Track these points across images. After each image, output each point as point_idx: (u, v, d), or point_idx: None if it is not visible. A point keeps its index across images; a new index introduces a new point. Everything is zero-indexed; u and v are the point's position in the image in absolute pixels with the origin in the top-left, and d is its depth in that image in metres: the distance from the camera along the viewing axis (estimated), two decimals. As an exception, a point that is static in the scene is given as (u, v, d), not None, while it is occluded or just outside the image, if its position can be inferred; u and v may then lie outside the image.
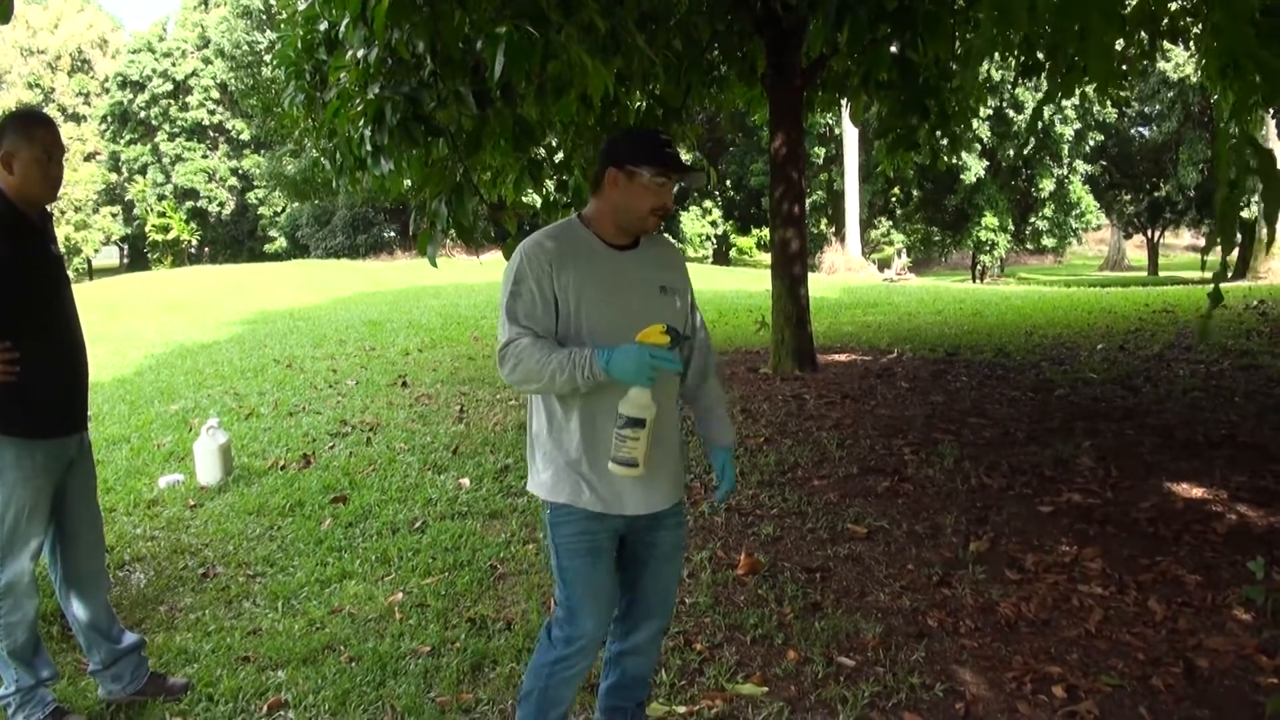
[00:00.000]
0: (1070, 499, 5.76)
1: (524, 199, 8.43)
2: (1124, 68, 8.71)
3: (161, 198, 54.43)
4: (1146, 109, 43.63)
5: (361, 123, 6.30)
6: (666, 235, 3.15)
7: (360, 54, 6.13)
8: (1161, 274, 45.70)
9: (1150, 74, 36.44)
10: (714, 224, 49.19)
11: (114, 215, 56.69)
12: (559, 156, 8.51)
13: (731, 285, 24.74)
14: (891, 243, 45.65)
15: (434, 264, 6.79)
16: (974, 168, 39.24)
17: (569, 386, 2.73)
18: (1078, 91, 8.79)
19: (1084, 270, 56.17)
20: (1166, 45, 9.53)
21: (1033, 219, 43.47)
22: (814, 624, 4.30)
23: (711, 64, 9.80)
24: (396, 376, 10.74)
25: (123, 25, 66.48)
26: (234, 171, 54.80)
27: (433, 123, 6.22)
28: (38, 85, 58.18)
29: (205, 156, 54.94)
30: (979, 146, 38.89)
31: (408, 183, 7.38)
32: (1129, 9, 7.45)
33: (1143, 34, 8.26)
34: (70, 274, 4.70)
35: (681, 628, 4.32)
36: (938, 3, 7.55)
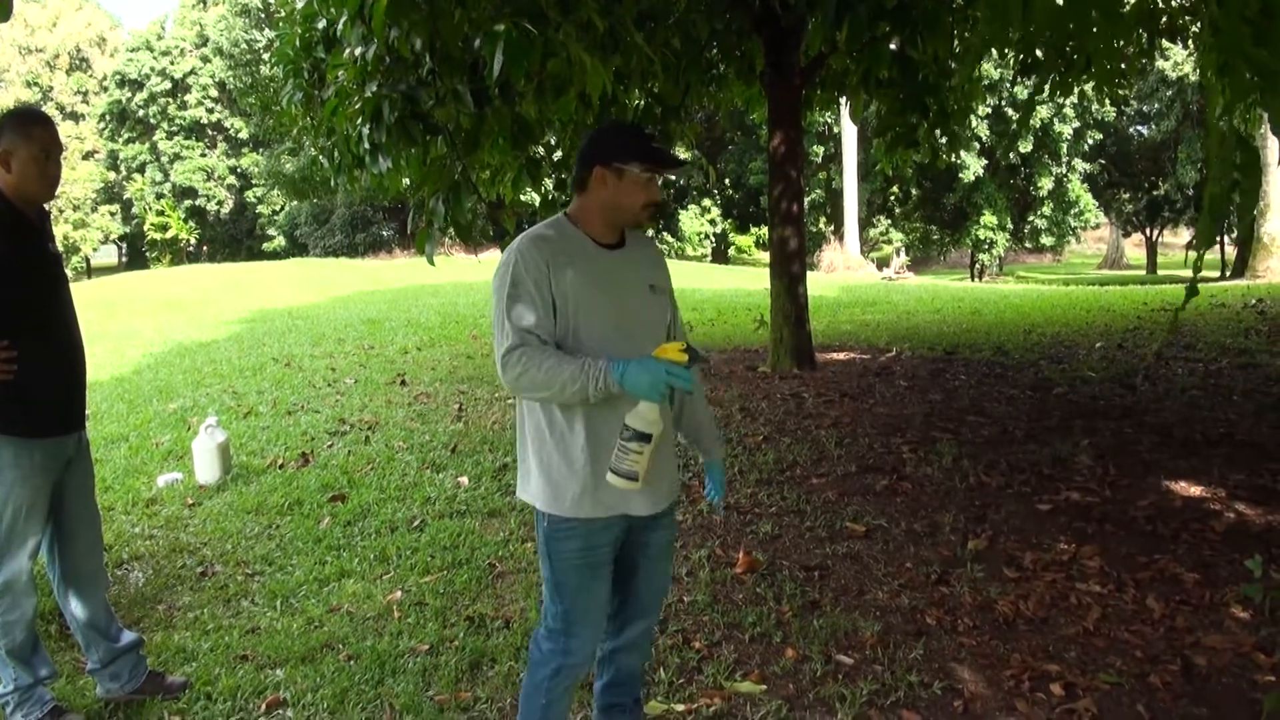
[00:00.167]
0: (1068, 497, 5.76)
1: (522, 197, 8.44)
2: (1123, 66, 8.71)
3: (160, 196, 54.43)
4: (1145, 107, 43.66)
5: (360, 121, 6.31)
6: (648, 233, 3.12)
7: (358, 52, 6.12)
8: (1160, 272, 45.72)
9: (1149, 72, 36.46)
10: (713, 222, 49.25)
11: (112, 214, 56.67)
12: (557, 155, 8.53)
13: (730, 284, 24.74)
14: (890, 241, 45.67)
15: (432, 262, 6.79)
16: (972, 166, 39.24)
17: (578, 397, 2.67)
18: (1076, 90, 8.80)
19: (1083, 269, 56.18)
20: (1165, 44, 9.53)
21: (1031, 217, 43.47)
22: (812, 622, 4.30)
23: (710, 62, 9.80)
24: (395, 375, 10.73)
25: (121, 23, 66.64)
26: (232, 170, 54.79)
27: (431, 121, 6.22)
28: (36, 84, 58.16)
29: (204, 155, 54.92)
30: (978, 145, 38.89)
31: (406, 181, 7.39)
32: (1128, 7, 7.46)
33: (1141, 32, 8.26)
34: (69, 273, 4.71)
35: (680, 626, 4.33)
36: (937, 1, 7.55)
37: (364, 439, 7.84)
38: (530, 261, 2.73)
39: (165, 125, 54.70)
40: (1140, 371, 9.28)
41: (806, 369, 9.73)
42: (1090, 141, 41.27)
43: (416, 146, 6.32)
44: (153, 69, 54.35)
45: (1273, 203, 22.82)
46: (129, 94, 54.95)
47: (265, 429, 8.31)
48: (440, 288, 22.63)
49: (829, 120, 39.16)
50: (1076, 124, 39.81)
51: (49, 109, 54.06)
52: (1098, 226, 53.78)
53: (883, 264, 41.39)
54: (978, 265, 44.94)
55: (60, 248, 3.82)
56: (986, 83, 33.76)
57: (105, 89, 57.38)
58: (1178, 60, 37.19)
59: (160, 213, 54.00)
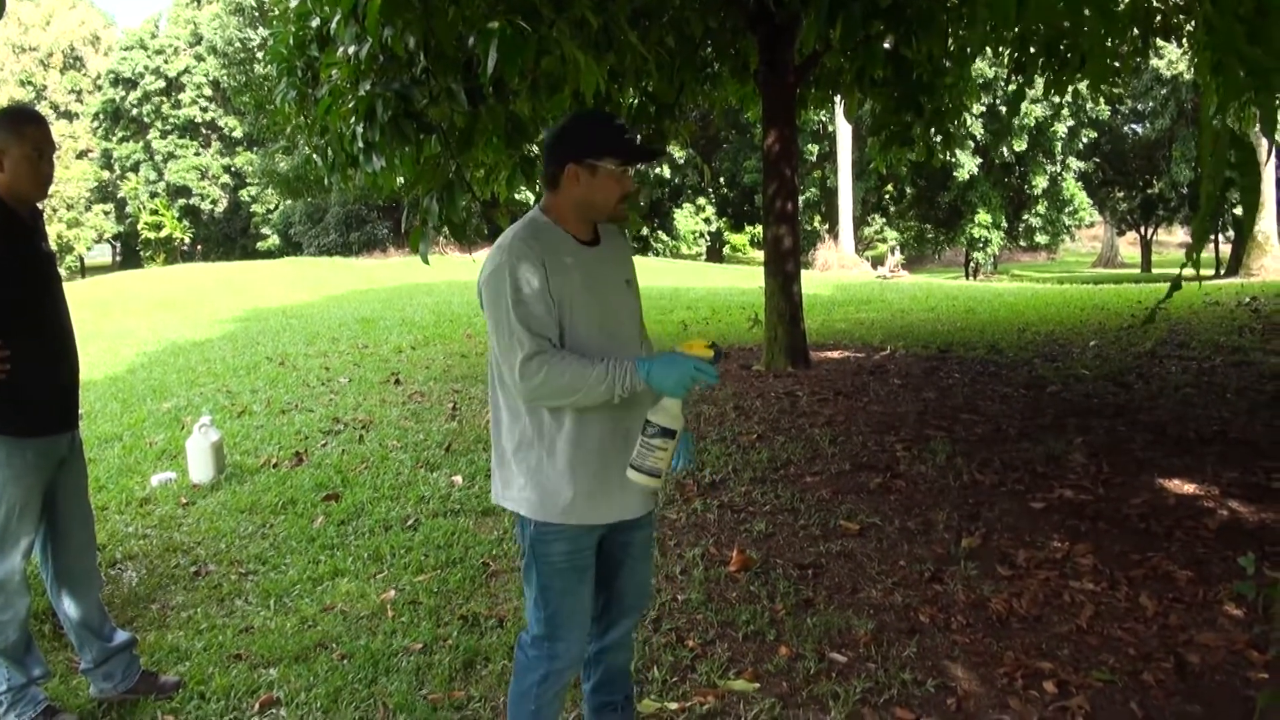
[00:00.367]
0: (1062, 495, 5.77)
1: (517, 196, 8.42)
2: (1117, 65, 8.72)
3: (154, 195, 54.37)
4: (1140, 106, 43.72)
5: (353, 119, 6.29)
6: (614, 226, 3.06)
7: (352, 50, 6.12)
8: (1154, 271, 45.79)
9: (1143, 71, 36.50)
10: (707, 221, 49.31)
11: (106, 213, 56.57)
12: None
13: (724, 282, 24.75)
14: (885, 240, 45.76)
15: (426, 261, 6.78)
16: (967, 165, 39.30)
17: (603, 399, 2.65)
18: (1070, 88, 8.81)
19: (1077, 267, 56.24)
20: (1159, 42, 9.55)
21: (1026, 216, 43.57)
22: (806, 620, 4.31)
23: (705, 61, 9.80)
24: (389, 374, 10.73)
25: (115, 22, 66.36)
26: (226, 169, 54.73)
27: (425, 119, 6.22)
28: (29, 82, 58.02)
29: (198, 154, 54.85)
30: (972, 143, 38.94)
31: (400, 180, 7.37)
32: (1122, 6, 7.47)
33: (1136, 31, 8.28)
34: (62, 272, 4.70)
35: (674, 624, 4.33)
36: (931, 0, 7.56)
37: (358, 438, 7.84)
38: (528, 264, 2.67)
39: (159, 124, 54.64)
40: (1134, 370, 9.29)
41: (801, 367, 9.74)
42: (1085, 140, 41.39)
43: (410, 145, 6.31)
44: (146, 67, 54.31)
45: (1267, 201, 22.87)
46: (123, 93, 54.90)
47: (259, 428, 8.30)
48: (434, 286, 22.61)
49: (824, 119, 39.21)
50: (1071, 122, 39.91)
51: (42, 108, 53.90)
52: (1092, 225, 53.95)
53: (877, 262, 41.40)
54: (972, 264, 45.02)
55: (54, 247, 3.81)
56: (981, 81, 33.80)
57: (99, 88, 57.30)
58: (1172, 59, 37.25)
59: (154, 212, 53.93)
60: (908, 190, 44.10)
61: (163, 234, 53.72)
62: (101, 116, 56.27)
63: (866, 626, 4.22)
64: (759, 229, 40.58)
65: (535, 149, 7.67)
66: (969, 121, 34.99)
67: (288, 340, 14.11)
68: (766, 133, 9.64)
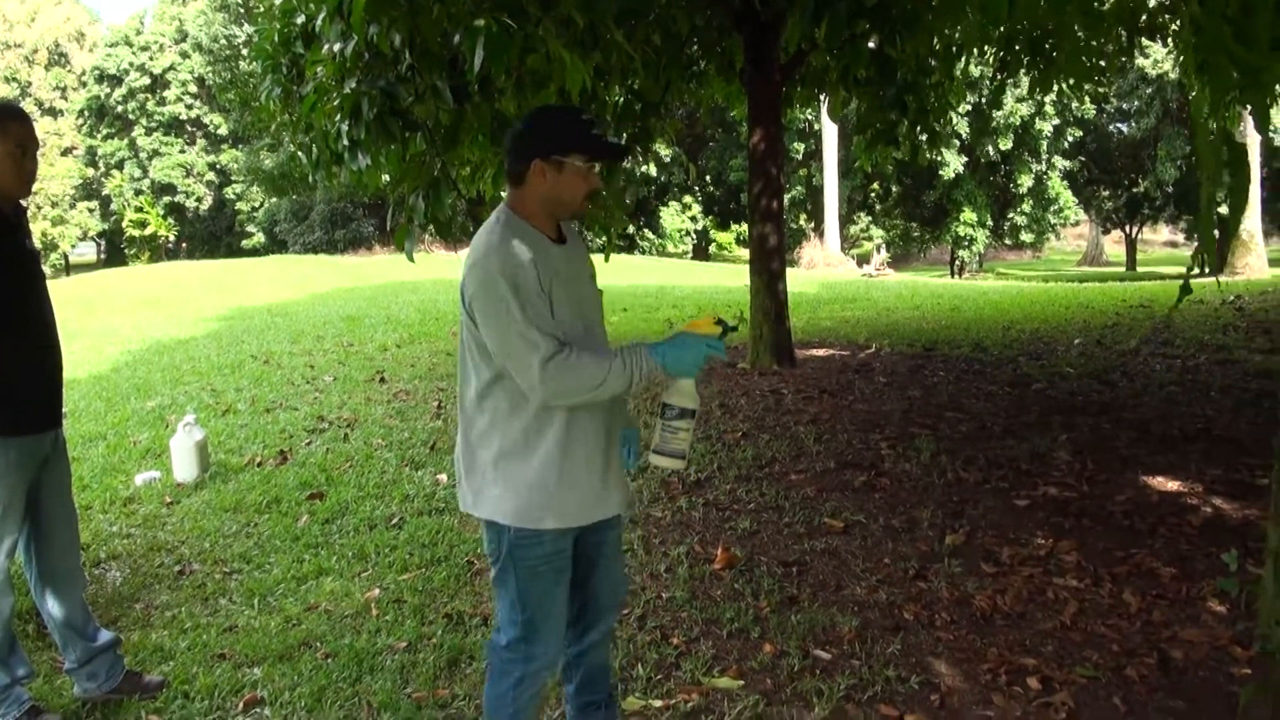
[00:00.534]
0: (1046, 493, 5.79)
1: (502, 194, 8.41)
2: (1102, 64, 8.75)
3: (139, 193, 54.13)
4: (1125, 105, 43.88)
5: (338, 117, 6.29)
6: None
7: (337, 48, 6.10)
8: (1139, 269, 46.00)
9: (1129, 70, 36.64)
10: (694, 219, 49.34)
11: (91, 211, 56.27)
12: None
13: (710, 280, 24.75)
14: (870, 238, 45.83)
15: (411, 259, 6.77)
16: (953, 163, 39.40)
17: (623, 389, 2.64)
18: (1056, 87, 8.84)
19: (1062, 266, 56.43)
20: (1145, 42, 9.58)
21: (1011, 214, 43.70)
22: (790, 618, 4.31)
23: (690, 59, 9.79)
24: (374, 372, 10.71)
25: (100, 19, 66.13)
26: (212, 166, 54.51)
27: (410, 117, 6.21)
28: (14, 79, 57.70)
29: (183, 151, 54.62)
30: (958, 142, 39.03)
31: (385, 178, 7.36)
32: (1108, 5, 7.49)
33: (1121, 31, 8.30)
34: (47, 270, 4.68)
35: (658, 622, 4.33)
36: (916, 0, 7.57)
37: (343, 436, 7.83)
38: (522, 266, 2.63)
39: (144, 121, 54.40)
40: (1118, 367, 9.32)
41: (786, 366, 9.74)
42: (1070, 139, 41.53)
43: (396, 143, 6.30)
44: (131, 64, 54.05)
45: (1251, 200, 22.96)
46: (108, 89, 54.63)
47: (244, 427, 8.28)
48: (420, 284, 22.55)
49: (810, 117, 39.25)
50: (1056, 121, 40.04)
51: (27, 104, 53.63)
52: (1077, 223, 54.17)
53: (863, 261, 41.53)
54: (958, 262, 45.15)
55: (38, 244, 3.80)
56: (967, 81, 33.86)
57: (84, 84, 57.01)
58: (1157, 58, 37.38)
59: (139, 209, 53.69)
60: (893, 189, 44.21)
61: (147, 232, 53.48)
62: (86, 113, 55.99)
63: (851, 623, 4.23)
64: (745, 227, 40.60)
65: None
66: (954, 120, 35.08)
67: (273, 338, 14.08)
68: (752, 131, 9.64)
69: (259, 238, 51.74)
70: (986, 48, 9.15)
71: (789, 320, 10.07)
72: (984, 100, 37.40)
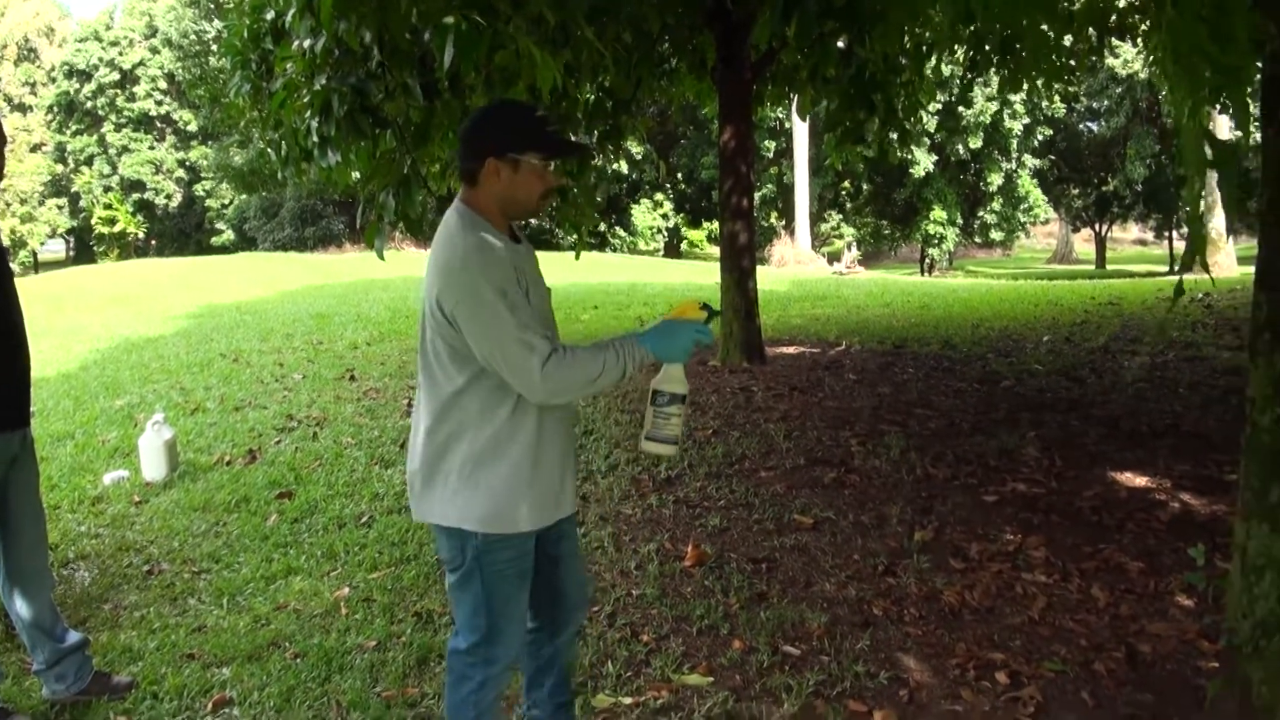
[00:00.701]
0: (1015, 489, 5.82)
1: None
2: (1072, 63, 8.79)
3: (108, 189, 53.69)
4: (1095, 104, 44.24)
5: (308, 114, 6.27)
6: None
7: (307, 44, 6.09)
8: (1109, 267, 46.33)
9: (1099, 70, 36.88)
10: (665, 217, 49.39)
11: (60, 208, 55.74)
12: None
13: (681, 278, 24.77)
14: (841, 236, 45.97)
15: (381, 257, 6.76)
16: (923, 162, 39.58)
17: (616, 381, 2.63)
18: (1026, 86, 8.88)
19: (1032, 263, 56.77)
20: (1115, 42, 9.65)
21: (981, 213, 43.98)
22: (760, 614, 4.33)
23: (662, 56, 9.79)
24: (344, 370, 10.66)
25: (70, 14, 65.45)
26: (181, 163, 54.12)
27: (380, 114, 6.20)
28: (-18, 74, 57.29)
29: (152, 148, 54.19)
30: (928, 140, 39.20)
31: (355, 175, 7.34)
32: (1077, 6, 7.53)
33: (1091, 31, 8.35)
34: (15, 267, 4.64)
35: (628, 619, 4.34)
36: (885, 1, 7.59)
37: (312, 435, 7.79)
38: (500, 267, 2.57)
39: (113, 117, 53.98)
40: (1087, 364, 9.38)
41: (756, 363, 9.75)
42: (1040, 137, 41.85)
43: (366, 140, 6.30)
44: (101, 60, 53.62)
45: (1217, 199, 23.17)
46: (77, 85, 54.16)
47: (213, 425, 8.23)
48: (390, 282, 22.46)
49: (780, 115, 39.30)
50: (1026, 120, 40.29)
51: (-7, 100, 53.29)
52: (1047, 222, 54.46)
53: (833, 258, 41.58)
54: (928, 260, 45.37)
55: (6, 241, 3.77)
56: (937, 80, 34.00)
57: (53, 80, 56.50)
58: (1127, 58, 37.66)
59: (108, 206, 53.26)
60: (864, 187, 44.39)
61: (117, 229, 53.07)
62: (55, 109, 55.47)
63: (820, 620, 4.25)
64: (717, 225, 40.68)
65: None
66: (924, 119, 35.24)
67: (242, 336, 13.99)
68: (723, 129, 9.65)
69: (228, 235, 51.42)
70: (956, 46, 9.18)
71: (759, 318, 10.08)
72: (954, 99, 37.58)
